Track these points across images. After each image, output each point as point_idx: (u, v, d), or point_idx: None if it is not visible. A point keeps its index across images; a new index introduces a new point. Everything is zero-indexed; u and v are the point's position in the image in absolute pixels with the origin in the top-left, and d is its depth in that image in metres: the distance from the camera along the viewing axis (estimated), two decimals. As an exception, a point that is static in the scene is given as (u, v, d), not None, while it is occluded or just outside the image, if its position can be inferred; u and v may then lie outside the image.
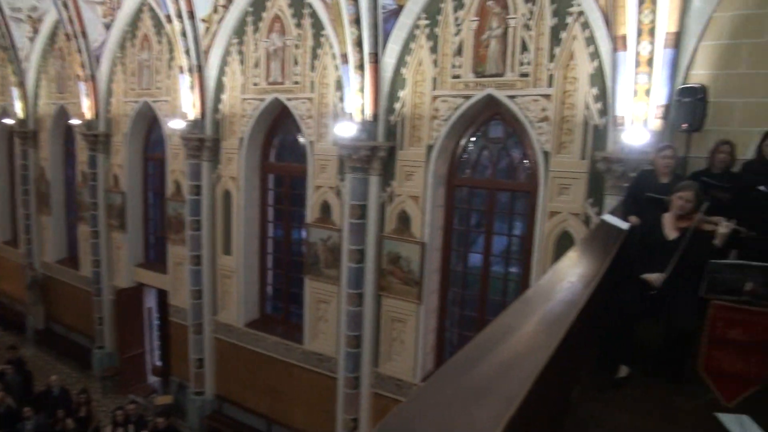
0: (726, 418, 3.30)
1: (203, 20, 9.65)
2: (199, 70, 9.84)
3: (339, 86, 8.30)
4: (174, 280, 11.43)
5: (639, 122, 5.97)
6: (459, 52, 7.26)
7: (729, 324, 3.44)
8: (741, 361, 3.44)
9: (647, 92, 5.90)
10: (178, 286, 11.28)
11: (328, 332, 9.20)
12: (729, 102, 5.90)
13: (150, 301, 12.94)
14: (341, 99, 8.24)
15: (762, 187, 4.83)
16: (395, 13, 7.57)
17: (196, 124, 10.06)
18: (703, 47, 5.90)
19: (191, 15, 9.45)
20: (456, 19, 7.22)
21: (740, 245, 4.24)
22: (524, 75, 6.81)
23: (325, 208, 8.90)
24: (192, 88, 9.92)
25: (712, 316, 3.46)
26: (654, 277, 3.93)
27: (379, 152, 7.94)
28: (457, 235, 8.25)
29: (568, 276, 3.27)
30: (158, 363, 13.05)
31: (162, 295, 12.27)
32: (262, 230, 10.34)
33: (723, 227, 3.88)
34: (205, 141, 10.05)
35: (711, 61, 5.91)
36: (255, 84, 9.48)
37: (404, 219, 8.07)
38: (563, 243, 6.73)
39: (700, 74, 5.93)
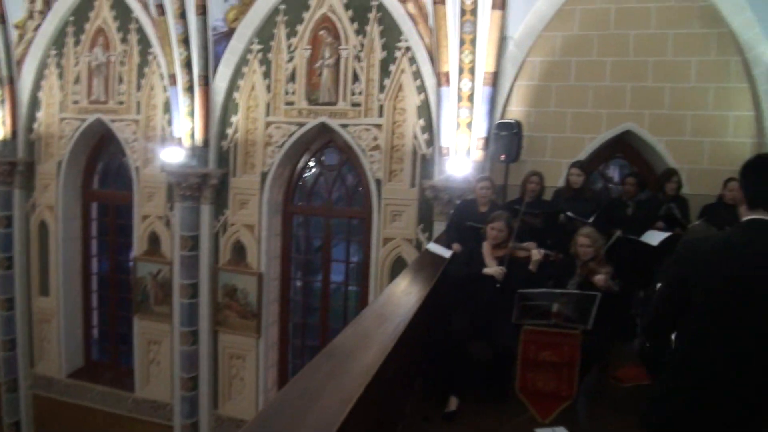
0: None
1: (16, 26, 8.60)
2: (11, 82, 8.73)
3: (167, 109, 7.80)
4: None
5: (462, 153, 6.31)
6: (292, 78, 7.20)
7: (540, 347, 3.63)
8: (553, 380, 3.64)
9: (469, 125, 6.26)
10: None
11: (162, 376, 8.47)
12: (541, 136, 6.46)
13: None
14: (169, 122, 7.75)
15: (569, 213, 5.28)
16: (227, 36, 7.31)
17: (6, 145, 8.88)
18: (518, 86, 6.44)
19: (2, 19, 8.38)
20: (289, 45, 7.17)
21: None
22: (356, 104, 6.93)
23: (154, 239, 8.26)
24: (2, 102, 8.76)
25: (524, 340, 3.63)
26: (493, 271, 4.14)
27: (210, 179, 7.56)
28: (295, 264, 8.08)
29: (389, 305, 3.34)
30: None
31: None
32: (84, 266, 9.28)
33: (536, 254, 4.17)
34: (16, 165, 8.88)
35: (525, 99, 6.44)
36: (75, 102, 8.60)
37: (239, 249, 7.74)
38: (398, 268, 6.85)
39: (515, 110, 6.43)
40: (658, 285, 2.88)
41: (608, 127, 6.37)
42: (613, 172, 7.40)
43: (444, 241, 5.49)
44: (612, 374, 4.49)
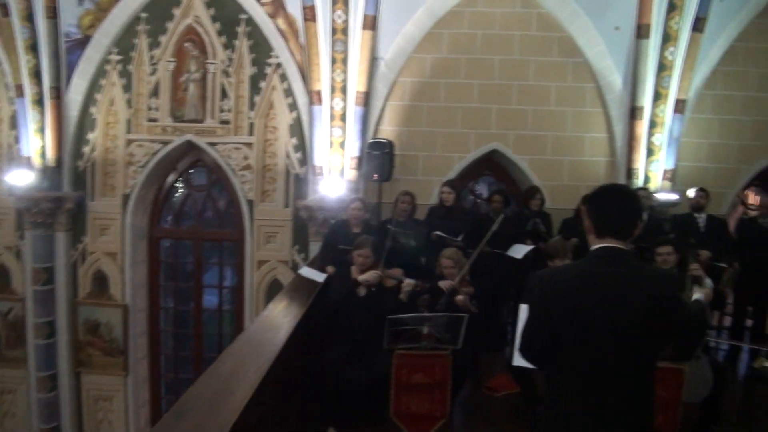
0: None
1: None
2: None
3: (14, 124, 7.07)
4: None
5: (336, 172, 6.28)
6: (156, 93, 6.80)
7: (412, 370, 3.61)
8: (427, 402, 3.63)
9: (342, 145, 6.26)
10: None
11: (18, 430, 7.55)
12: (413, 155, 6.61)
13: None
14: (16, 140, 7.02)
15: (438, 232, 5.37)
16: (81, 44, 6.77)
17: None
18: (390, 106, 6.57)
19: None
20: (152, 57, 6.77)
21: None
22: (225, 122, 6.69)
23: (2, 273, 7.41)
24: None
25: (396, 364, 3.58)
26: (368, 275, 4.13)
27: (65, 204, 6.91)
28: (165, 292, 7.59)
29: (253, 341, 3.18)
30: None
31: None
32: None
33: (407, 285, 4.18)
34: None
35: (397, 119, 6.57)
36: None
37: (101, 280, 7.14)
38: (274, 291, 6.63)
39: (388, 130, 6.54)
40: (522, 306, 2.95)
41: (476, 146, 6.67)
42: (482, 189, 7.71)
43: (318, 263, 5.38)
44: (485, 385, 4.60)
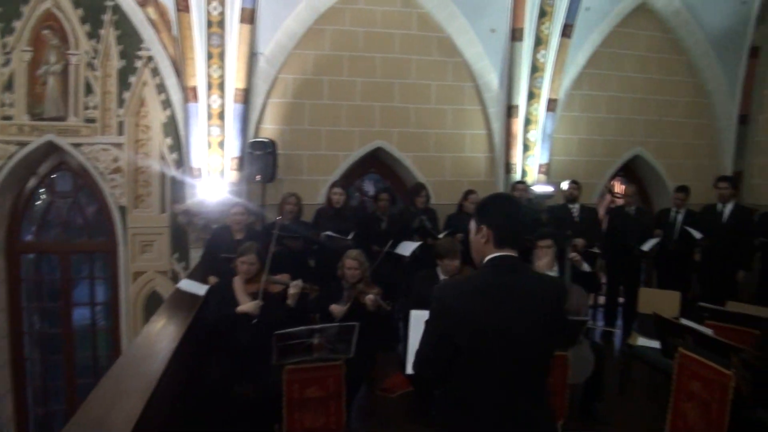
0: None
1: None
2: None
3: None
4: None
5: (215, 174, 6.01)
6: (9, 87, 6.11)
7: (304, 384, 3.51)
8: (322, 416, 3.56)
9: (221, 144, 6.00)
10: None
11: None
12: (297, 154, 6.51)
13: None
14: None
15: (328, 233, 5.34)
16: None
17: None
18: (271, 104, 6.41)
19: None
20: (4, 45, 6.06)
21: None
22: (91, 120, 6.14)
23: None
24: None
25: (287, 380, 3.46)
26: (248, 307, 3.89)
27: None
28: (28, 314, 6.84)
29: (126, 375, 2.89)
30: None
31: None
32: None
33: (293, 287, 4.01)
34: None
35: (279, 117, 6.43)
36: None
37: (-52, 303, 6.35)
38: (153, 304, 6.22)
39: (270, 128, 6.38)
40: (414, 313, 3.01)
41: (361, 144, 6.71)
42: (369, 187, 7.80)
43: (200, 273, 5.14)
44: (379, 387, 4.61)
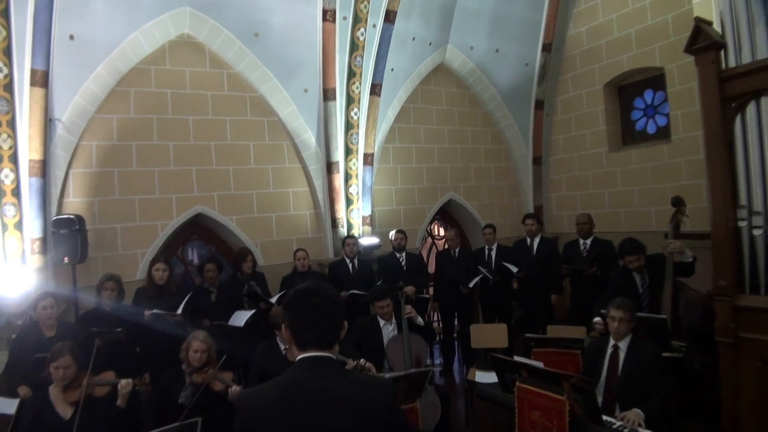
0: None
1: None
2: None
3: None
4: None
5: (14, 260, 5.69)
6: None
7: None
8: None
9: (17, 226, 5.70)
10: None
11: None
12: (110, 227, 6.43)
13: None
14: None
15: (155, 311, 5.34)
16: None
17: None
18: (75, 175, 6.25)
19: None
20: None
21: None
22: None
23: None
24: None
25: None
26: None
27: None
28: None
29: None
30: None
31: None
32: None
33: (124, 385, 3.91)
34: None
35: (85, 189, 6.31)
36: None
37: None
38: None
39: (75, 202, 6.23)
40: None
41: (180, 211, 6.82)
42: (193, 255, 7.90)
43: (7, 385, 4.71)
44: None
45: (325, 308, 1.93)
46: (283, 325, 2.10)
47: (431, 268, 8.41)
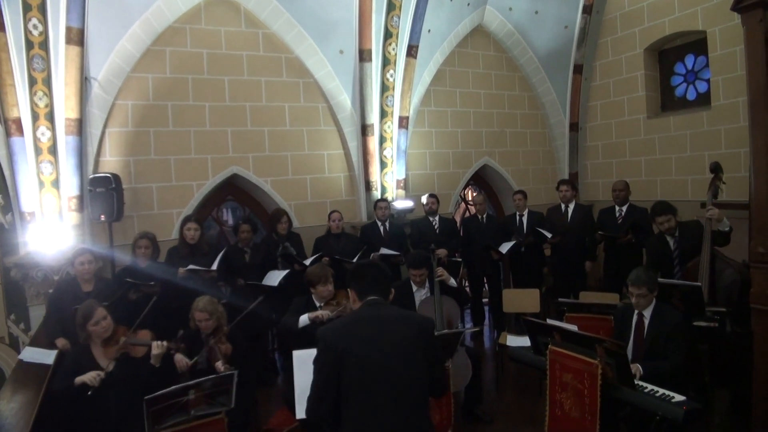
0: None
1: None
2: None
3: None
4: None
5: (52, 217, 5.61)
6: None
7: None
8: None
9: (55, 183, 5.62)
10: None
11: None
12: (145, 187, 6.36)
13: None
14: None
15: (191, 266, 5.27)
16: None
17: None
18: (111, 134, 6.17)
19: None
20: None
21: None
22: None
23: None
24: None
25: None
26: (87, 378, 3.60)
27: None
28: None
29: None
30: None
31: None
32: None
33: (156, 347, 3.86)
34: None
35: (121, 148, 6.23)
36: None
37: None
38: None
39: (111, 161, 6.16)
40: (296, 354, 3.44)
41: (215, 172, 6.72)
42: (227, 216, 7.80)
43: (45, 336, 4.71)
44: (264, 428, 4.61)
45: (380, 276, 2.72)
46: (349, 290, 2.75)
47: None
